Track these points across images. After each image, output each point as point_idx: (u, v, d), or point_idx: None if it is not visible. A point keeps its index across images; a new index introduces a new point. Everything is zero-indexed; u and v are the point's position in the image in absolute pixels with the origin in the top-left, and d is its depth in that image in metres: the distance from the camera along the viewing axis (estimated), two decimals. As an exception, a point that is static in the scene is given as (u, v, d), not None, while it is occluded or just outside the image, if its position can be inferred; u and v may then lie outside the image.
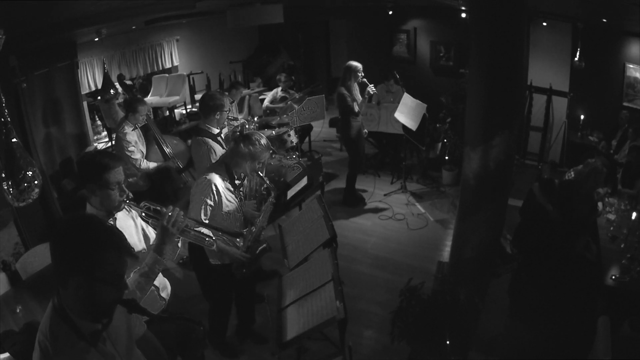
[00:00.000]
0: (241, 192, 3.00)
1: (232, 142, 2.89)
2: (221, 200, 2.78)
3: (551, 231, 3.47)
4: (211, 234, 2.36)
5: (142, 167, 4.39)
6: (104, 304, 1.45)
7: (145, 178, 4.54)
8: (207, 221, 2.66)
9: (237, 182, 2.90)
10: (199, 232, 2.24)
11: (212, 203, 2.73)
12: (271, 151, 3.53)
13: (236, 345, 3.46)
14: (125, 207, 2.14)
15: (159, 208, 2.06)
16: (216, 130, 3.61)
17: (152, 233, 2.35)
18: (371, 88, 5.09)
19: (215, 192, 2.74)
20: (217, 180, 2.77)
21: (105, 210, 2.09)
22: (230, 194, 2.86)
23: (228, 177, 2.85)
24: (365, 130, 5.51)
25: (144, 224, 2.36)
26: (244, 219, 3.08)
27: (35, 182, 1.82)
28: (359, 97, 5.12)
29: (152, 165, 4.48)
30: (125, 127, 4.31)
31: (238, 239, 2.86)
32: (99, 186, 2.02)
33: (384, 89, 6.29)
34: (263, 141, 2.84)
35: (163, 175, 4.57)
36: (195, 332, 2.55)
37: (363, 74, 5.03)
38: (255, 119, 3.75)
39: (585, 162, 3.63)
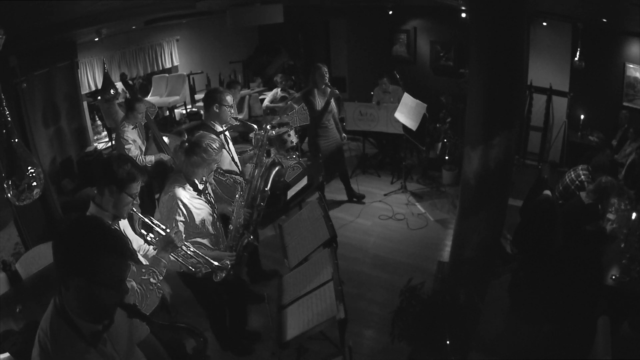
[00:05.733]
0: (209, 194, 2.94)
1: (182, 154, 2.76)
2: (191, 212, 2.70)
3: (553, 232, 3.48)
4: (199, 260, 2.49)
5: (139, 162, 4.41)
6: (104, 307, 1.45)
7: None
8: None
9: (200, 187, 2.82)
10: (190, 255, 2.42)
11: (182, 219, 2.67)
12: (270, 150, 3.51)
13: (246, 343, 3.46)
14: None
15: (163, 227, 2.26)
16: (220, 128, 3.56)
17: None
18: (332, 88, 4.91)
19: (182, 206, 2.67)
20: (181, 193, 2.68)
21: (112, 213, 2.19)
22: (198, 200, 2.78)
23: (190, 185, 2.76)
24: (344, 137, 5.38)
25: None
26: (220, 216, 3.06)
27: (36, 181, 1.82)
28: (319, 101, 4.94)
29: (149, 158, 4.51)
30: (125, 126, 4.37)
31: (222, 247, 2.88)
32: (120, 191, 2.14)
33: (380, 90, 6.30)
34: (215, 144, 2.74)
35: (160, 172, 4.60)
36: (197, 344, 2.58)
37: (325, 77, 4.87)
38: (269, 127, 3.62)
39: (598, 183, 3.57)
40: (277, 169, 3.27)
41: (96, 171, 2.29)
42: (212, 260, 2.54)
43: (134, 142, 4.40)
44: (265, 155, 3.41)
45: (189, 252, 2.40)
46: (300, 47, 9.17)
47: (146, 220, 2.24)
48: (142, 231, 2.32)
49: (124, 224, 2.39)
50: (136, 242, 2.45)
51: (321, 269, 2.64)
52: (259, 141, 3.47)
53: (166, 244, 2.19)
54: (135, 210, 2.26)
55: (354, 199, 5.69)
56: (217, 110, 3.49)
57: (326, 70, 4.91)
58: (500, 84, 2.62)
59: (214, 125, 3.52)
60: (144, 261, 2.35)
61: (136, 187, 2.20)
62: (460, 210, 3.08)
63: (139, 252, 2.48)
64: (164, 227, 2.25)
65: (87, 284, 1.37)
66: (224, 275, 2.69)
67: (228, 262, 2.72)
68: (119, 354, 1.57)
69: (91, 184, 5.18)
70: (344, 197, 5.71)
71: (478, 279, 3.11)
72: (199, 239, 2.81)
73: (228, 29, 5.94)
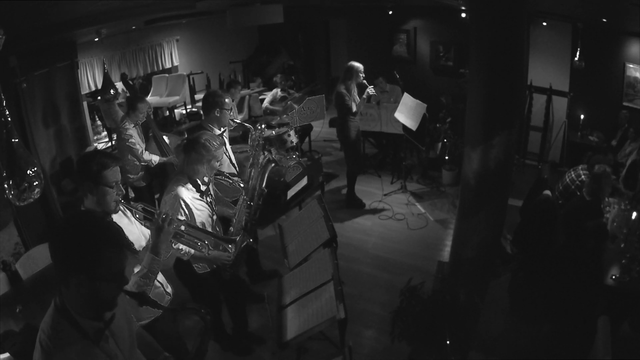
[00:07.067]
0: (210, 196, 2.92)
1: (182, 153, 2.76)
2: (192, 212, 2.70)
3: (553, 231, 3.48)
4: (203, 240, 2.35)
5: (145, 158, 4.45)
6: (106, 301, 1.45)
7: (145, 175, 4.60)
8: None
9: (202, 188, 2.81)
10: (192, 236, 2.27)
11: (184, 219, 2.62)
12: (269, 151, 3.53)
13: (246, 343, 3.46)
14: (120, 207, 2.16)
15: (153, 210, 2.12)
16: (218, 131, 3.58)
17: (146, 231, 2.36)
18: (370, 89, 5.00)
19: (184, 206, 2.66)
20: (183, 193, 2.68)
21: (101, 210, 2.10)
22: (199, 202, 2.78)
23: (192, 186, 2.76)
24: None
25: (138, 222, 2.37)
26: (220, 218, 3.05)
27: (37, 181, 1.81)
28: (357, 98, 5.09)
29: (155, 158, 4.52)
30: (126, 124, 4.40)
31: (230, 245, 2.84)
32: (96, 184, 2.04)
33: (378, 90, 6.30)
34: (214, 141, 2.75)
35: (162, 172, 4.61)
36: (205, 322, 2.60)
37: (364, 75, 5.00)
38: (263, 126, 3.66)
39: (592, 173, 3.56)
40: (272, 165, 3.28)
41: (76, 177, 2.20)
42: (210, 238, 2.47)
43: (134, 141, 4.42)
44: (262, 154, 3.43)
45: (187, 235, 2.25)
46: (300, 47, 9.18)
47: (131, 209, 2.17)
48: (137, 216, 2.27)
49: (121, 220, 2.30)
50: (142, 233, 2.37)
51: (321, 269, 2.64)
52: (254, 141, 3.49)
53: (157, 232, 2.03)
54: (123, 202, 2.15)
55: (354, 203, 5.60)
56: (219, 115, 3.53)
57: (362, 68, 4.99)
58: (500, 84, 2.62)
59: (212, 129, 3.55)
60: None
61: (112, 175, 2.07)
62: (460, 210, 3.08)
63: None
64: (152, 211, 2.11)
65: (87, 280, 1.37)
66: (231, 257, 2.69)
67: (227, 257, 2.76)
68: (121, 350, 1.57)
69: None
70: (344, 197, 5.71)
71: (478, 279, 3.11)
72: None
73: (228, 29, 5.94)
